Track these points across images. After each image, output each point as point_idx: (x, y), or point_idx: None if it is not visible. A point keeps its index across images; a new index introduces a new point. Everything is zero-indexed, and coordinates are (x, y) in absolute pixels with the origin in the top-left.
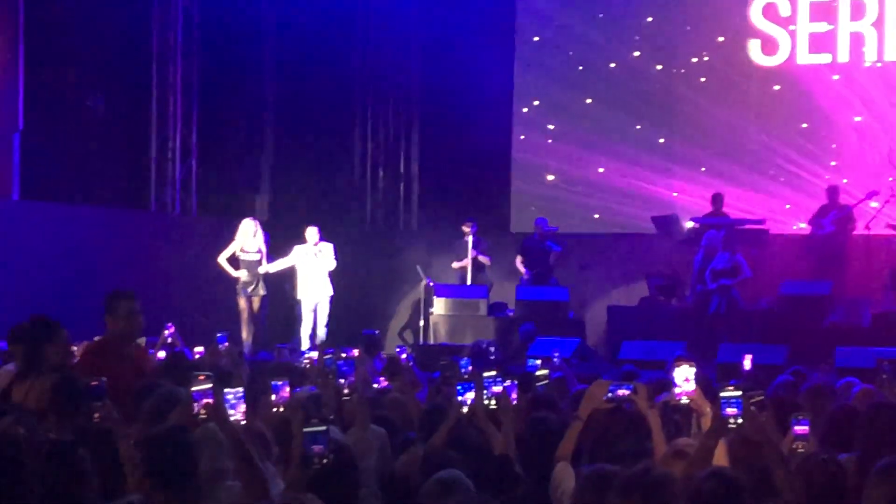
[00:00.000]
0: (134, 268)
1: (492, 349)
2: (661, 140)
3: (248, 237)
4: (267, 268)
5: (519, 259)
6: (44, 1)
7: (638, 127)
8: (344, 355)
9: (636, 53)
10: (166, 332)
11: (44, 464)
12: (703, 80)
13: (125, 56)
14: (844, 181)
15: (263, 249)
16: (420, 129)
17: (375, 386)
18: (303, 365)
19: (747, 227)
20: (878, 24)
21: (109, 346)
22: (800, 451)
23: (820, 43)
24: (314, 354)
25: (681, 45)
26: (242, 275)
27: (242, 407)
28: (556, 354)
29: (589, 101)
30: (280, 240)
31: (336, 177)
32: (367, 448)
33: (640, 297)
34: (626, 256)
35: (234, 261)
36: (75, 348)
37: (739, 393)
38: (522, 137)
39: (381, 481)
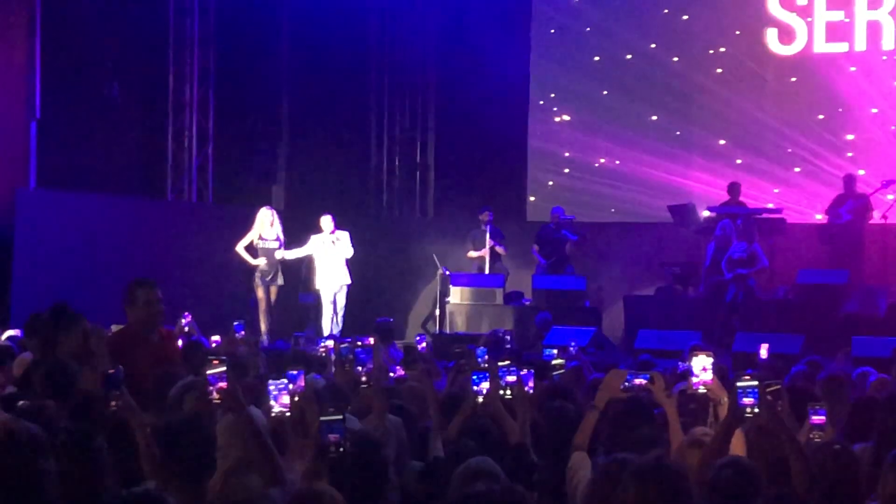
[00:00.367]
0: (150, 256)
1: (508, 338)
2: (678, 130)
3: (266, 226)
4: (284, 254)
5: (535, 248)
6: None
7: (654, 117)
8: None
9: (653, 43)
10: (183, 320)
11: (60, 453)
12: (719, 69)
13: (141, 44)
14: (861, 172)
15: (282, 237)
16: (436, 118)
17: (392, 375)
18: (319, 354)
19: (764, 216)
20: None
21: (129, 335)
22: (816, 440)
23: (837, 32)
24: (330, 343)
25: (698, 35)
26: (261, 263)
27: (286, 398)
28: (573, 344)
29: (605, 90)
30: (296, 228)
31: (352, 165)
32: (385, 437)
33: (656, 287)
34: (643, 245)
35: (251, 250)
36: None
37: (756, 383)
38: (539, 126)
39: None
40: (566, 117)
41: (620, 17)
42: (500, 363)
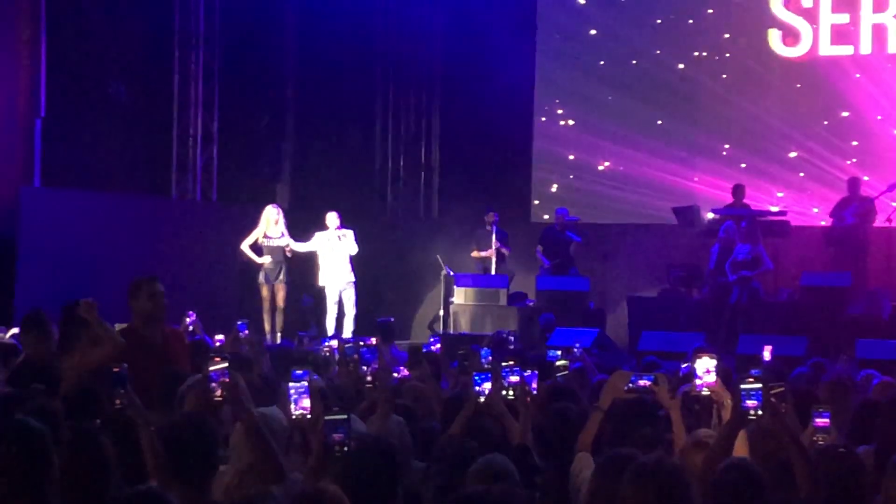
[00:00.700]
0: (154, 254)
1: (512, 339)
2: (683, 132)
3: (271, 224)
4: (295, 246)
5: (539, 249)
6: None
7: (659, 120)
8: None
9: (657, 44)
10: (187, 319)
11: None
12: (724, 73)
13: (147, 43)
14: (866, 178)
15: (286, 235)
16: (441, 118)
17: (396, 375)
18: (323, 353)
19: (768, 218)
20: None
21: (133, 332)
22: (820, 443)
23: (842, 34)
24: (335, 343)
25: (703, 37)
26: (266, 261)
27: (306, 401)
28: (577, 345)
29: (610, 93)
30: (300, 228)
31: (357, 165)
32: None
33: (659, 288)
34: (647, 247)
35: (256, 248)
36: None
37: (759, 385)
38: (543, 127)
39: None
40: (571, 120)
41: (626, 20)
42: (503, 363)
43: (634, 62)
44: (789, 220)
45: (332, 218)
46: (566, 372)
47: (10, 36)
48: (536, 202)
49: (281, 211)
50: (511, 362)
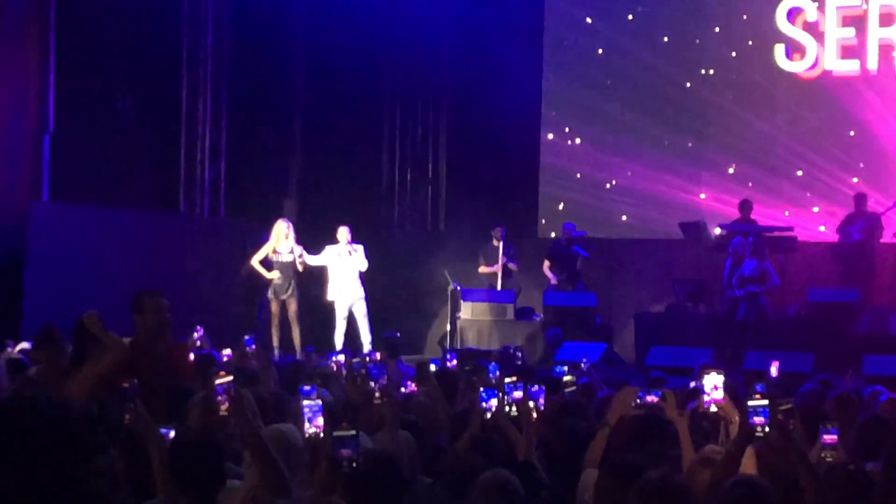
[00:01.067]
0: (162, 269)
1: (519, 354)
2: (689, 146)
3: (281, 238)
4: (308, 259)
5: (546, 264)
6: (74, 3)
7: (666, 136)
8: (369, 359)
9: (665, 58)
10: (195, 334)
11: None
12: (731, 85)
13: (155, 58)
14: (872, 190)
15: (296, 250)
16: (448, 132)
17: (403, 390)
18: (330, 368)
19: (775, 234)
20: None
21: (137, 346)
22: (828, 460)
23: (848, 50)
24: (341, 358)
25: (709, 51)
26: (275, 276)
27: (320, 420)
28: (584, 360)
29: (617, 106)
30: (308, 241)
31: (364, 180)
32: (398, 453)
33: (667, 304)
34: (654, 262)
35: (266, 263)
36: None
37: (766, 402)
38: (550, 142)
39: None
40: (578, 136)
41: (632, 35)
42: (506, 379)
43: (641, 79)
44: (796, 236)
45: (343, 232)
46: (574, 387)
47: (18, 51)
48: (543, 218)
49: (291, 225)
50: (514, 378)
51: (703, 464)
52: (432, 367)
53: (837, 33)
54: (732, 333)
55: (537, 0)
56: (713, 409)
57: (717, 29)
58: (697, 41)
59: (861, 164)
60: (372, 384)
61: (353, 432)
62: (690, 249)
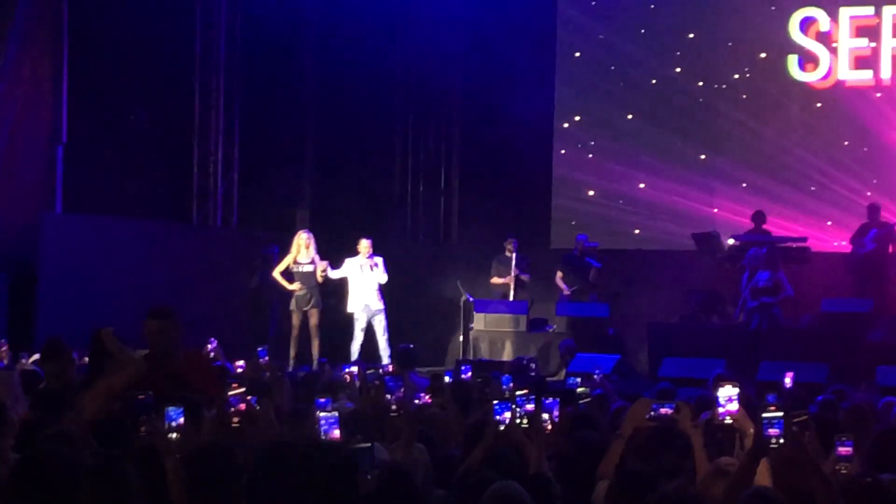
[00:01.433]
0: (175, 281)
1: (532, 366)
2: (702, 157)
3: (302, 249)
4: (331, 274)
5: (559, 275)
6: (87, 14)
7: (679, 144)
8: (381, 371)
9: (677, 70)
10: (209, 346)
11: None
12: (744, 96)
13: (168, 69)
14: (886, 200)
15: (317, 261)
16: (461, 144)
17: (417, 402)
18: (344, 380)
19: (789, 244)
20: None
21: (152, 360)
22: (843, 472)
23: (862, 60)
24: (355, 369)
25: (722, 62)
26: (296, 287)
27: (336, 432)
28: (597, 371)
29: (630, 117)
30: (320, 253)
31: (376, 191)
32: (413, 465)
33: (680, 314)
34: (667, 273)
35: (287, 274)
36: None
37: (781, 414)
38: (563, 153)
39: None
40: (591, 143)
41: (645, 44)
42: (517, 392)
43: (654, 90)
44: (810, 247)
45: (365, 245)
46: (588, 399)
47: (32, 63)
48: (556, 228)
49: (312, 236)
50: (525, 391)
51: (717, 476)
52: (446, 379)
53: (850, 43)
54: (746, 344)
55: (550, 12)
56: (728, 420)
57: (729, 42)
58: (710, 53)
59: (874, 175)
60: (388, 396)
61: (368, 445)
62: (703, 260)
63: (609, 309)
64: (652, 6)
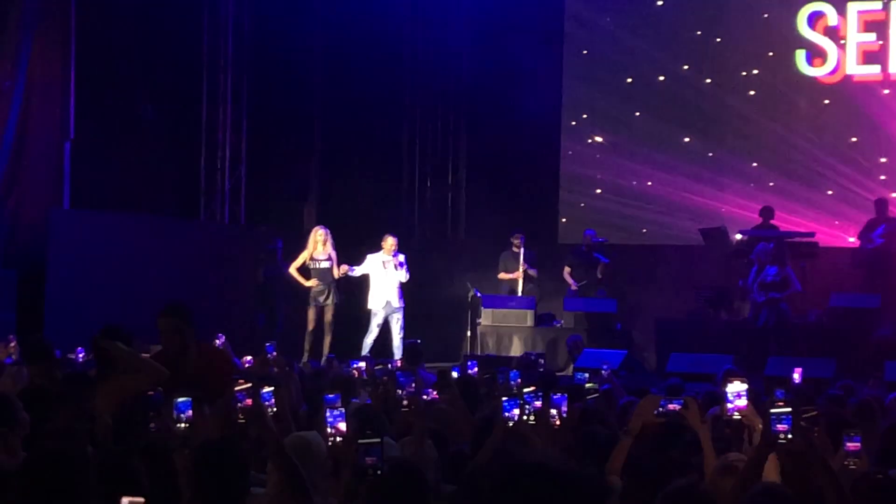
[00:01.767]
0: (183, 276)
1: (541, 361)
2: (710, 152)
3: (319, 246)
4: (355, 273)
5: (567, 270)
6: (95, 10)
7: (687, 139)
8: (389, 367)
9: (685, 66)
10: (217, 342)
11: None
12: (752, 92)
13: (175, 65)
14: (894, 195)
15: (334, 257)
16: (468, 139)
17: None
18: (352, 375)
19: (797, 239)
20: None
21: (163, 357)
22: (851, 467)
23: (869, 55)
24: (363, 364)
25: (730, 58)
26: (313, 284)
27: (342, 425)
28: (605, 367)
29: (638, 113)
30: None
31: (384, 187)
32: (425, 461)
33: (687, 310)
34: (675, 268)
35: (303, 270)
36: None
37: (789, 409)
38: (571, 148)
39: None
40: (598, 139)
41: (652, 39)
42: (526, 389)
43: (662, 84)
44: (818, 242)
45: (390, 242)
46: (596, 395)
47: (40, 59)
48: (563, 221)
49: (328, 232)
50: (533, 388)
51: (725, 471)
52: (454, 375)
53: (858, 38)
54: (754, 339)
55: (558, 8)
56: (736, 416)
57: (737, 38)
58: (718, 44)
59: (882, 170)
60: (399, 392)
61: (378, 440)
62: (711, 256)
63: (617, 304)
64: (660, 2)
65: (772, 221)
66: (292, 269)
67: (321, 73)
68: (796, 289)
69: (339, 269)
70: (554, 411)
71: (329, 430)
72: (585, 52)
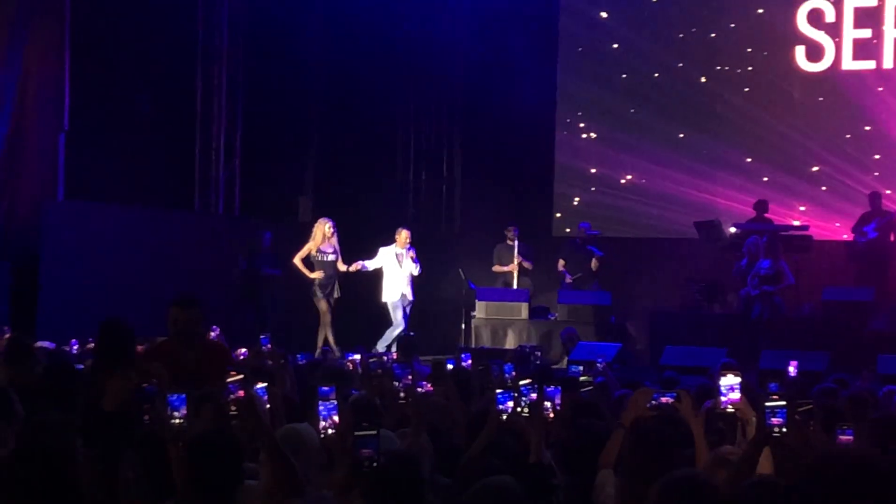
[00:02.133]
0: (177, 268)
1: (538, 354)
2: (705, 146)
3: (326, 239)
4: (369, 267)
5: (561, 263)
6: (90, 2)
7: (681, 134)
8: (385, 359)
9: (680, 58)
10: (211, 333)
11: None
12: (747, 87)
13: (170, 56)
14: (888, 192)
15: (338, 249)
16: (463, 132)
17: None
18: (346, 367)
19: (791, 233)
20: None
21: (159, 349)
22: None
23: (864, 49)
24: (357, 357)
25: (726, 52)
26: (318, 276)
27: (336, 417)
28: (600, 360)
29: (633, 107)
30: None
31: (379, 180)
32: (422, 453)
33: (681, 303)
34: (669, 261)
35: (307, 262)
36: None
37: (784, 403)
38: (565, 140)
39: None
40: (593, 134)
41: (648, 34)
42: (521, 382)
43: (656, 76)
44: (811, 235)
45: (404, 235)
46: (590, 387)
47: (34, 51)
48: (558, 215)
49: (334, 224)
50: (528, 381)
51: (718, 464)
52: (448, 367)
53: (853, 33)
54: (747, 332)
55: (552, 0)
56: (730, 409)
57: (732, 26)
58: (713, 38)
59: (876, 163)
60: (396, 384)
61: (374, 431)
62: (705, 248)
63: (611, 297)
64: None
65: (766, 215)
66: (297, 260)
67: (316, 65)
68: (790, 282)
69: (352, 266)
70: (548, 403)
71: (322, 422)
72: (580, 47)
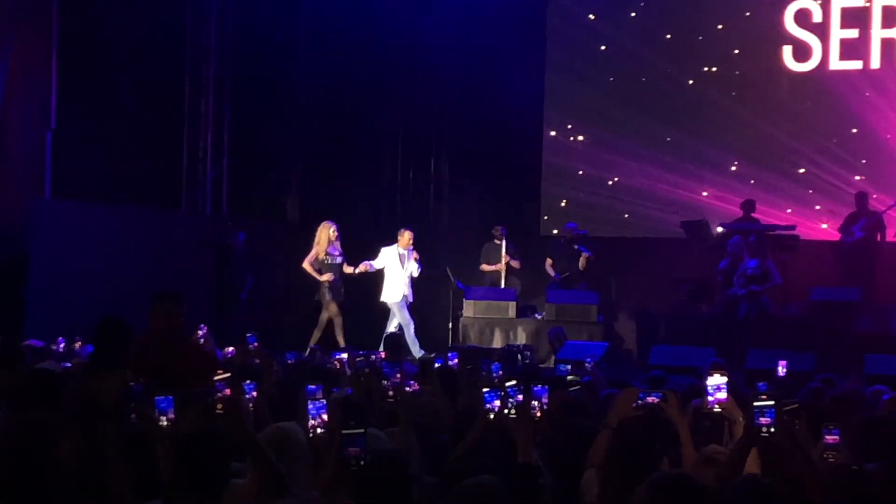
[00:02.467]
0: (164, 267)
1: (528, 353)
2: (692, 147)
3: (332, 241)
4: (375, 266)
5: (548, 262)
6: (77, 1)
7: (668, 135)
8: (373, 358)
9: (668, 60)
10: (199, 332)
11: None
12: (734, 86)
13: (158, 55)
14: (874, 195)
15: (342, 254)
16: (451, 132)
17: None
18: (333, 366)
19: (777, 233)
20: None
21: (146, 350)
22: (830, 460)
23: (851, 49)
24: (344, 356)
25: (712, 52)
26: (328, 278)
27: (324, 416)
28: (589, 359)
29: (619, 104)
30: (309, 241)
31: (366, 179)
32: (410, 452)
33: (668, 302)
34: (656, 261)
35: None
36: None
37: (772, 403)
38: (553, 139)
39: None
40: (580, 135)
41: (635, 35)
42: (508, 383)
43: (644, 77)
44: (798, 235)
45: (407, 236)
46: (577, 387)
47: (21, 48)
48: (546, 216)
49: (338, 228)
50: (514, 381)
51: (705, 464)
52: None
53: (841, 33)
54: (734, 332)
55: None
56: (717, 409)
57: (719, 26)
58: (700, 39)
59: (863, 163)
60: (385, 382)
61: (362, 430)
62: (692, 248)
63: (598, 297)
64: None
65: (753, 215)
66: (306, 265)
67: (304, 63)
68: (776, 281)
69: (358, 267)
70: (535, 403)
71: (312, 420)
72: (568, 48)
